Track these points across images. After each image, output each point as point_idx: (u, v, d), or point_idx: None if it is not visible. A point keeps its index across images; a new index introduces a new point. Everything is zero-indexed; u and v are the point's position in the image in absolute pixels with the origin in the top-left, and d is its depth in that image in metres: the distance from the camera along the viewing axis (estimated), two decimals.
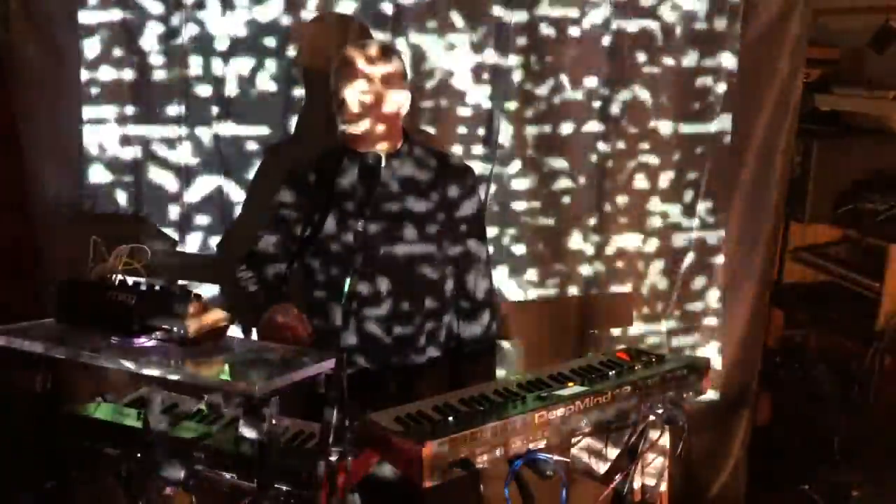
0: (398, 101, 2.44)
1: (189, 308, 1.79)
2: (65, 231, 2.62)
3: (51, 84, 2.65)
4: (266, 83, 2.82)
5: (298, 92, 2.85)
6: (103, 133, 2.73)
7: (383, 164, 2.42)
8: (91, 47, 2.67)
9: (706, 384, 2.14)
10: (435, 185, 2.49)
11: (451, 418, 1.75)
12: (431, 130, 2.94)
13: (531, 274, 3.16)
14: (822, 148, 3.57)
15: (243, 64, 2.79)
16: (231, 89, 2.80)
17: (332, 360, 1.76)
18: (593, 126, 3.12)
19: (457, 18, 2.90)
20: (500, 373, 2.84)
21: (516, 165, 3.07)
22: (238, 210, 2.88)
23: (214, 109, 2.80)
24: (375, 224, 2.40)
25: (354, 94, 2.36)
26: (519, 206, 3.11)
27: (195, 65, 2.76)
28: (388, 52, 2.45)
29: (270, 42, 2.80)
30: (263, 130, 2.85)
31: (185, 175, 2.82)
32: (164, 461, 1.80)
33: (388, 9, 2.85)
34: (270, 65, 2.81)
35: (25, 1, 2.59)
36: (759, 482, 3.57)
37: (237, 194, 2.87)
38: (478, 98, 2.98)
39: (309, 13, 2.81)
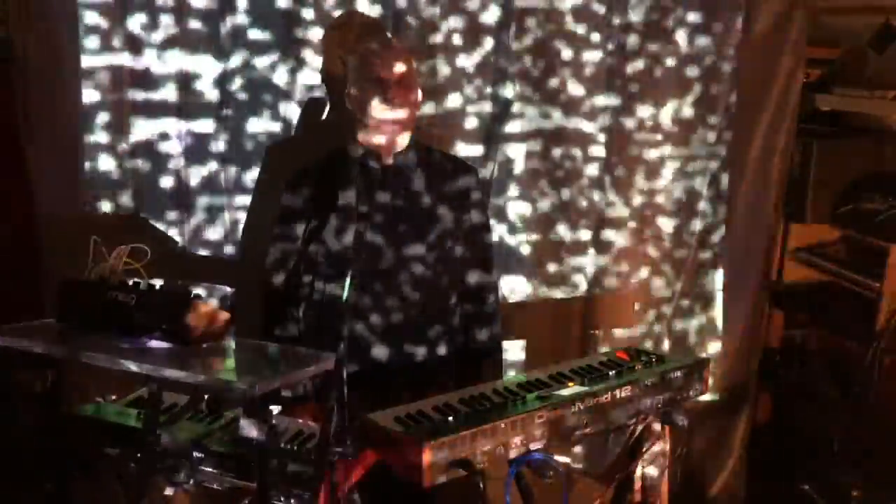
0: (420, 99, 2.45)
1: (189, 308, 1.79)
2: (65, 231, 2.62)
3: (51, 84, 2.65)
4: (271, 80, 2.82)
5: (303, 90, 2.84)
6: (104, 133, 2.72)
7: (390, 163, 2.44)
8: (92, 46, 2.66)
9: (706, 384, 2.14)
10: (440, 187, 2.48)
11: (451, 418, 1.75)
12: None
13: (533, 274, 3.16)
14: (822, 148, 3.57)
15: (247, 59, 2.79)
16: (235, 86, 2.79)
17: (332, 359, 1.76)
18: (595, 124, 3.12)
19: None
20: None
21: (518, 165, 3.07)
22: (239, 209, 2.88)
23: (217, 106, 2.80)
24: (378, 225, 2.40)
25: (395, 86, 2.35)
26: (520, 205, 3.11)
27: (197, 61, 2.75)
28: (409, 49, 2.46)
29: (276, 39, 2.79)
30: (267, 128, 2.84)
31: (187, 174, 2.81)
32: (164, 461, 1.80)
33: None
34: (275, 62, 2.81)
35: (25, 1, 2.58)
36: (759, 482, 3.57)
37: (239, 192, 2.87)
38: (477, 94, 2.98)
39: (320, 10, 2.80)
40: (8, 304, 2.22)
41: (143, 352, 1.78)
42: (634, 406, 1.98)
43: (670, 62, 3.14)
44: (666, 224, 3.28)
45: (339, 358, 1.76)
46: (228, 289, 2.87)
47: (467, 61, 2.94)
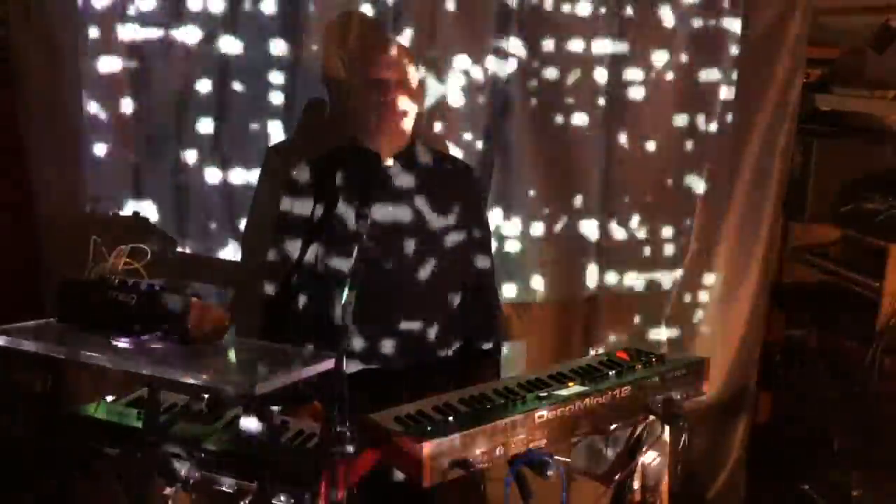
0: (419, 100, 2.45)
1: (189, 308, 1.79)
2: (65, 231, 2.62)
3: (51, 84, 2.65)
4: (271, 79, 2.81)
5: (303, 89, 2.84)
6: (104, 132, 2.72)
7: (390, 164, 2.44)
8: (91, 45, 2.66)
9: (706, 384, 2.15)
10: (440, 187, 2.49)
11: (451, 418, 1.75)
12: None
13: (533, 274, 3.16)
14: (822, 148, 3.57)
15: (247, 60, 2.78)
16: (234, 85, 2.79)
17: (333, 359, 1.76)
18: (594, 123, 3.11)
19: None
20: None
21: (518, 163, 3.07)
22: (239, 209, 2.88)
23: (217, 106, 2.79)
24: (378, 225, 2.40)
25: (394, 87, 2.36)
26: (520, 204, 3.11)
27: (197, 61, 2.75)
28: (409, 50, 2.46)
29: (276, 37, 2.79)
30: (267, 128, 2.84)
31: (187, 173, 2.81)
32: (164, 461, 1.80)
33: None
34: (275, 61, 2.81)
35: (25, 1, 2.58)
36: (759, 482, 3.57)
37: (239, 193, 2.87)
38: (477, 92, 2.98)
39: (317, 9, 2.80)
40: (8, 304, 2.23)
41: (143, 352, 1.77)
42: (634, 406, 1.98)
43: (669, 62, 3.14)
44: (666, 224, 3.28)
45: (340, 358, 1.75)
46: (228, 289, 2.88)
47: (466, 56, 2.94)
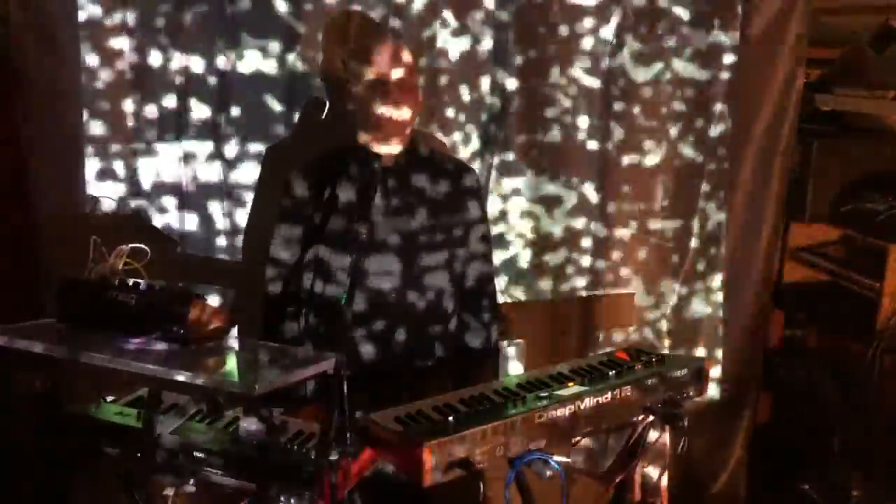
0: (420, 100, 2.45)
1: (189, 308, 1.79)
2: (65, 231, 2.62)
3: (51, 84, 2.65)
4: (270, 79, 2.81)
5: (302, 89, 2.84)
6: (104, 132, 2.73)
7: (391, 164, 2.44)
8: (91, 46, 2.67)
9: (706, 384, 2.14)
10: (440, 188, 2.48)
11: (451, 418, 1.75)
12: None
13: (533, 273, 3.16)
14: (822, 148, 3.57)
15: (246, 60, 2.79)
16: (234, 86, 2.79)
17: (333, 360, 1.76)
18: (593, 122, 3.11)
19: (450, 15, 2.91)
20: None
21: (517, 163, 3.07)
22: (239, 209, 2.88)
23: (217, 106, 2.79)
24: (378, 225, 2.40)
25: (396, 86, 2.36)
26: (520, 204, 3.11)
27: (197, 60, 2.75)
28: (409, 49, 2.46)
29: (275, 38, 2.79)
30: (266, 127, 2.84)
31: (187, 173, 2.81)
32: (164, 461, 1.80)
33: None
34: (274, 61, 2.81)
35: (25, 1, 2.59)
36: (759, 482, 3.57)
37: (240, 192, 2.87)
38: (475, 91, 2.98)
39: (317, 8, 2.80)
40: (8, 304, 2.23)
41: (143, 352, 1.78)
42: (634, 406, 1.98)
43: (668, 62, 3.14)
44: (666, 224, 3.28)
45: (340, 359, 1.75)
46: (229, 289, 2.88)
47: (465, 58, 2.94)
